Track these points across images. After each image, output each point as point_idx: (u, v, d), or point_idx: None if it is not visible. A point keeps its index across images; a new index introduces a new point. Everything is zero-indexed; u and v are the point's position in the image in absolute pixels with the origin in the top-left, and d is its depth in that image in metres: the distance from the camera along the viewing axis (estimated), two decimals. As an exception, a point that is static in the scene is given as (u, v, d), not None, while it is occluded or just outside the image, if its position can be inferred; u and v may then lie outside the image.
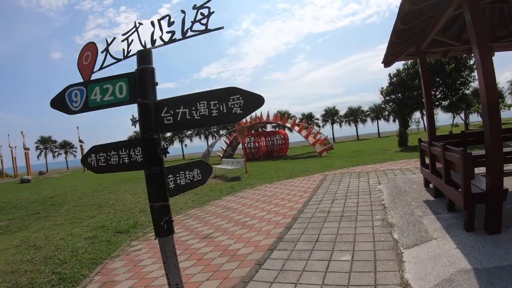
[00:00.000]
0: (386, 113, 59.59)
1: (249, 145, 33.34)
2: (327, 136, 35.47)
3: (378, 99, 29.47)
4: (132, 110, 2.37)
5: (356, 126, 65.32)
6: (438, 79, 22.33)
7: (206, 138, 59.35)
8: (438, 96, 23.88)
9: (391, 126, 64.36)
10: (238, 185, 11.76)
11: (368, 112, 64.67)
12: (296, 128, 29.79)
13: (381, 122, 64.77)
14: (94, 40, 2.61)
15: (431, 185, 6.79)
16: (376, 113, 62.75)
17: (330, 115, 65.20)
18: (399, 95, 24.55)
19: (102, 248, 5.82)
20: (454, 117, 50.27)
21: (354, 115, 64.66)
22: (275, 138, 33.93)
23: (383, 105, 29.72)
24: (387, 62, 7.08)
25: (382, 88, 25.60)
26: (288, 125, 32.00)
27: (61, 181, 27.10)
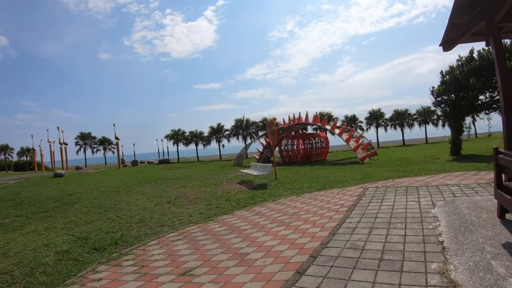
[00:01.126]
0: (435, 117, 55.21)
1: (286, 148, 31.61)
2: (370, 140, 32.81)
3: (425, 102, 26.51)
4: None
5: (402, 130, 60.79)
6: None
7: (244, 139, 57.85)
8: (495, 98, 20.66)
9: (439, 131, 59.73)
10: (260, 196, 10.10)
11: (416, 116, 60.00)
12: (337, 131, 27.45)
13: (429, 126, 59.83)
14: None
15: (508, 216, 4.84)
16: (424, 116, 58.08)
17: (375, 118, 61.15)
18: (452, 95, 21.48)
19: (63, 270, 4.91)
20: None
21: (401, 118, 60.12)
22: (314, 141, 31.68)
23: (433, 107, 26.32)
24: (447, 42, 5.10)
25: (433, 87, 22.61)
26: (328, 127, 29.77)
27: (92, 177, 27.13)
